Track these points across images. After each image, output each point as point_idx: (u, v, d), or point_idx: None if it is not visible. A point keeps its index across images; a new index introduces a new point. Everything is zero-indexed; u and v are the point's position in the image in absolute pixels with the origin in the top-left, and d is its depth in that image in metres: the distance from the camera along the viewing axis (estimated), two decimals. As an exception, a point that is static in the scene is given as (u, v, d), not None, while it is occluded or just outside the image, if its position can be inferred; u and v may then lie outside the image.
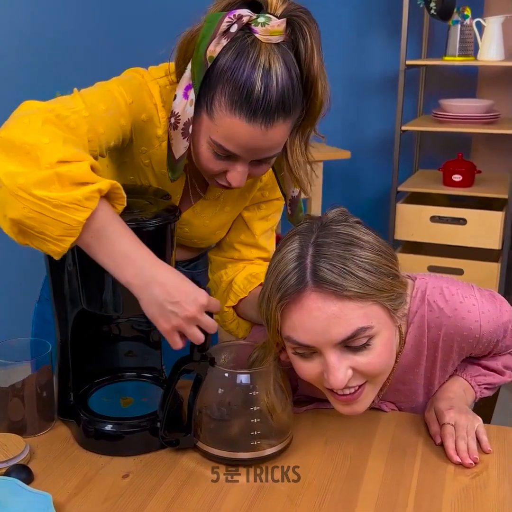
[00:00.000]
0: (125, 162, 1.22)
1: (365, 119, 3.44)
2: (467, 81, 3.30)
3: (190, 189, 1.29)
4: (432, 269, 3.00)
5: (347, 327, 0.98)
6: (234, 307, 1.37)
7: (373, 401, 1.14)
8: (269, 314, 1.03)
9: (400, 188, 3.06)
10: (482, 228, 2.91)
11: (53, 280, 1.11)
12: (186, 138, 1.10)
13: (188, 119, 1.08)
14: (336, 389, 1.02)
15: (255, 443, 1.06)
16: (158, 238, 1.06)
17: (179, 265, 1.45)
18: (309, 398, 1.24)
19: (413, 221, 3.01)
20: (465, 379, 1.21)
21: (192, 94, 1.07)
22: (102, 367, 1.23)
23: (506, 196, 2.88)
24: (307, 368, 1.04)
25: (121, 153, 1.20)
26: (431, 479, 1.04)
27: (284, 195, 1.28)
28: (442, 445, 1.11)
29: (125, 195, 0.98)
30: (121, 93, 1.10)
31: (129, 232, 0.98)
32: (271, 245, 1.43)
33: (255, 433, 1.06)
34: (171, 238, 1.08)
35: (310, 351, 1.02)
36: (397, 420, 1.20)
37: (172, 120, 1.10)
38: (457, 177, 2.98)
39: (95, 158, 1.03)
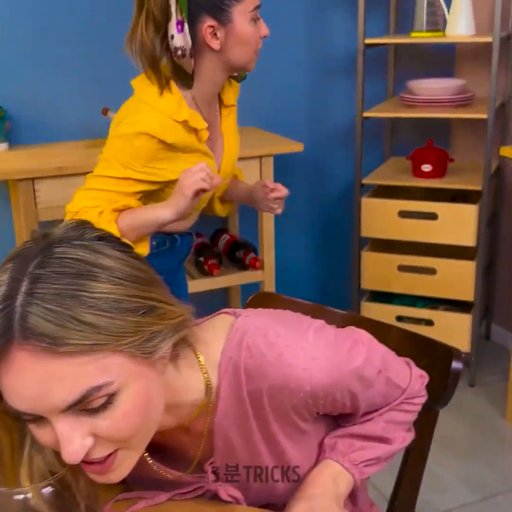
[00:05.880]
0: None
1: (330, 105, 3.06)
2: (443, 59, 3.00)
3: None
4: (403, 268, 2.72)
5: (72, 390, 0.72)
6: None
7: (204, 478, 0.91)
8: None
9: (364, 181, 2.77)
10: (455, 224, 2.61)
11: None
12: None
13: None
14: (71, 463, 0.75)
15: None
16: None
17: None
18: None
19: (380, 217, 2.72)
20: (336, 461, 0.94)
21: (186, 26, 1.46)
22: None
23: (479, 188, 2.57)
24: (42, 437, 0.78)
25: None
26: None
27: None
28: None
29: None
30: None
31: None
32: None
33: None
34: None
35: (38, 416, 0.75)
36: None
37: (179, 52, 1.48)
38: (426, 167, 2.68)
39: None
